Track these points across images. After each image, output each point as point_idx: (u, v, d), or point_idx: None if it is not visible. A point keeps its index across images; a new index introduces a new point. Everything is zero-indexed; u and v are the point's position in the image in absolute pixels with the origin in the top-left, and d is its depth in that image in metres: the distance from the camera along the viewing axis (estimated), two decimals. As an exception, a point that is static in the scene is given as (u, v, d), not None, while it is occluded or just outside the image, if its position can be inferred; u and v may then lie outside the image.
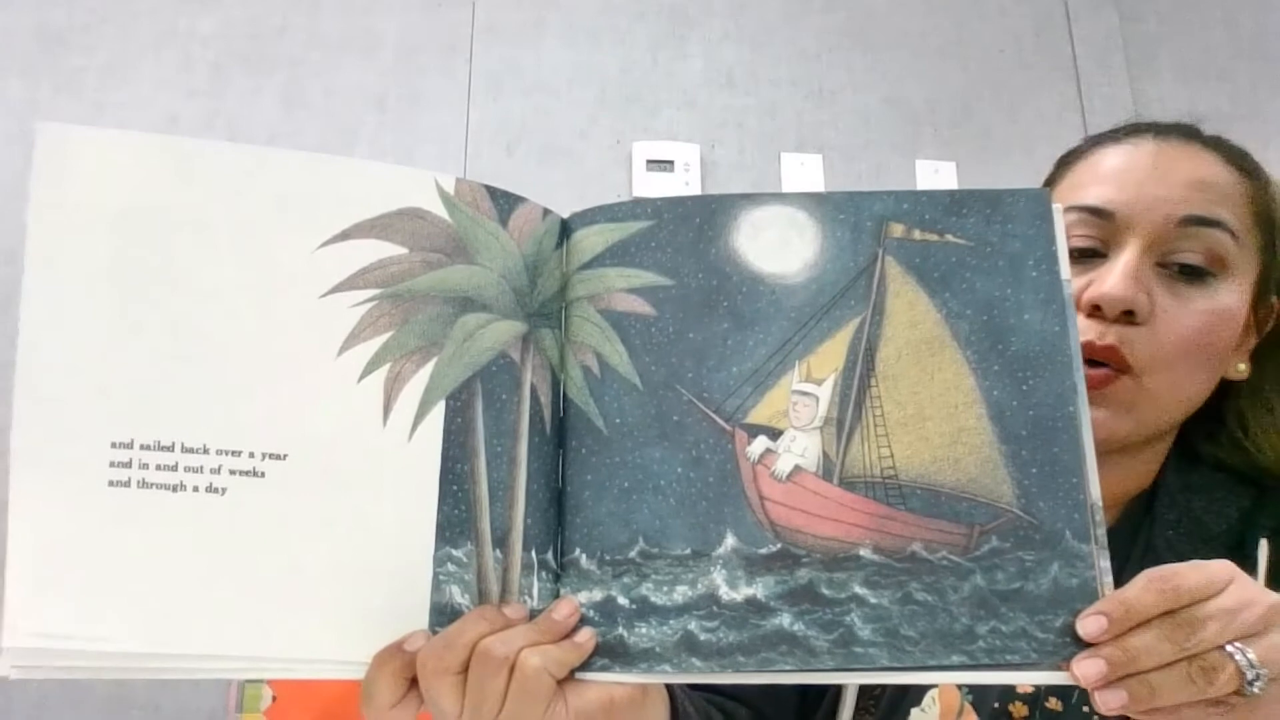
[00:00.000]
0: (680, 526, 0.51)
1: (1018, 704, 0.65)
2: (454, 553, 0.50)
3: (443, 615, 0.49)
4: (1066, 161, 0.75)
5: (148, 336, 0.49)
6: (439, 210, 0.53)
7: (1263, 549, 0.61)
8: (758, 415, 0.52)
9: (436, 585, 0.50)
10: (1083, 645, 0.47)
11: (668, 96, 1.84)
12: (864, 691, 0.70)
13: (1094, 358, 0.63)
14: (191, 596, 0.48)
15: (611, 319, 0.54)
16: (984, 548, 0.50)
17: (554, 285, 0.55)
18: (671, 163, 1.79)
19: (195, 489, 0.48)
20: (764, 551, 0.50)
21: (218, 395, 0.49)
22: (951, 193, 0.54)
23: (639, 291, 0.54)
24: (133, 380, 0.49)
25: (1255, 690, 0.45)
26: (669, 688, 0.60)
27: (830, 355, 0.52)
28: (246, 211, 0.51)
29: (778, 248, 0.54)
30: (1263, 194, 0.69)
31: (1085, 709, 0.63)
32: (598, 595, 0.51)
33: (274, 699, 1.44)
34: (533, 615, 0.50)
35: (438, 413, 0.51)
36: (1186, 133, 0.71)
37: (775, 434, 0.52)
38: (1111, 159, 0.70)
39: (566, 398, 0.55)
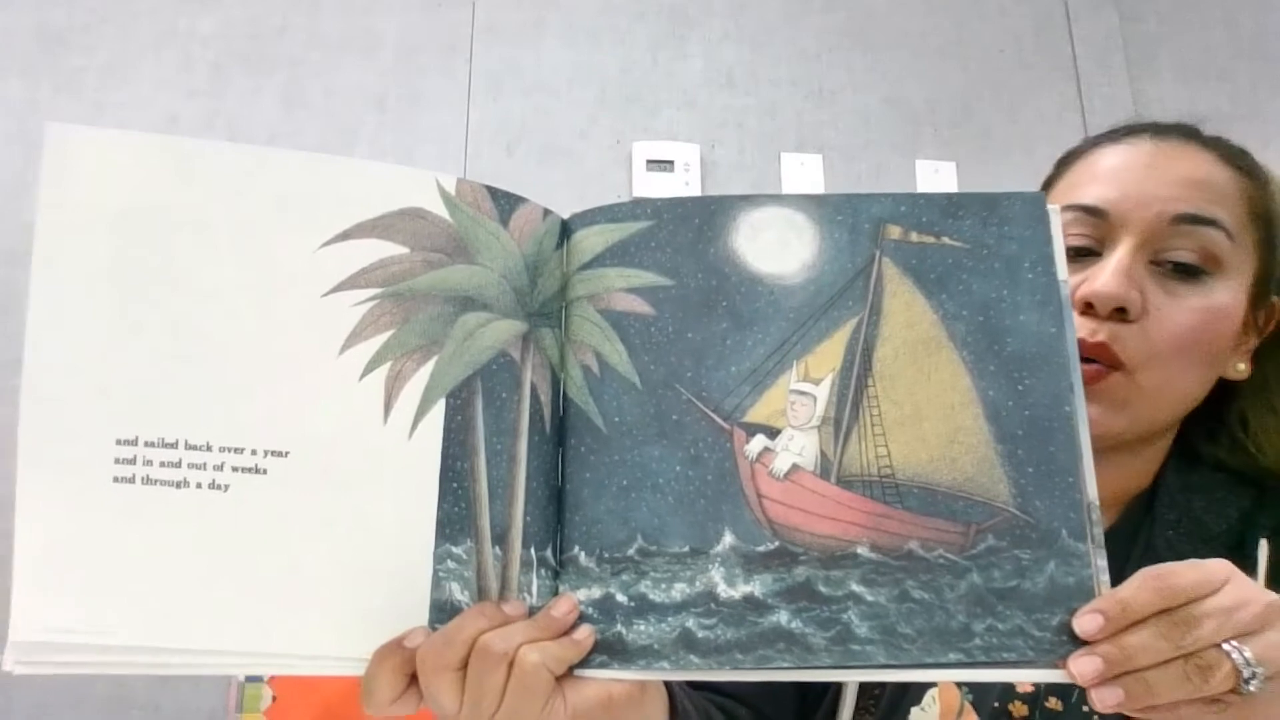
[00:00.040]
0: (679, 524, 0.51)
1: (1017, 703, 0.65)
2: (454, 550, 0.50)
3: (442, 612, 0.50)
4: (1065, 161, 0.75)
5: (148, 336, 0.49)
6: (440, 210, 0.53)
7: (1263, 549, 0.61)
8: (756, 414, 0.52)
9: (436, 582, 0.50)
10: (1079, 643, 0.47)
11: (668, 96, 1.84)
12: (864, 691, 0.70)
13: (1085, 355, 0.63)
14: (194, 592, 0.48)
15: (611, 318, 0.54)
16: (980, 546, 0.50)
17: (554, 285, 0.56)
18: (671, 163, 1.79)
19: (198, 485, 0.49)
20: (762, 549, 0.51)
21: (219, 394, 0.49)
22: (948, 195, 0.55)
23: (638, 291, 0.55)
24: (133, 380, 0.49)
25: (1252, 688, 0.45)
26: (668, 685, 0.60)
27: (828, 355, 0.53)
28: (247, 211, 0.51)
29: (776, 249, 0.54)
30: (1260, 193, 0.69)
31: (1085, 709, 0.63)
32: (596, 593, 0.51)
33: (274, 699, 1.45)
34: (532, 612, 0.51)
35: (438, 411, 0.51)
36: (1184, 133, 0.71)
37: (773, 433, 0.52)
38: (1108, 159, 0.71)
39: (566, 397, 0.55)
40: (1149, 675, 0.45)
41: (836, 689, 0.71)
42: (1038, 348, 0.52)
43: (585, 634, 0.50)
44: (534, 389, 0.54)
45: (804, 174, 1.82)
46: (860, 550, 0.50)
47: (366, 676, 0.49)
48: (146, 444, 0.48)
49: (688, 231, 0.55)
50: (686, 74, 1.86)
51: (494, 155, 1.77)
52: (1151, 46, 1.99)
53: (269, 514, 0.49)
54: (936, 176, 1.85)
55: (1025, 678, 0.55)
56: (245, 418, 0.50)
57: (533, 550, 0.52)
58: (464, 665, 0.48)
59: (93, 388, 0.48)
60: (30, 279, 0.49)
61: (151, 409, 0.49)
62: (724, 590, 0.50)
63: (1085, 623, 0.47)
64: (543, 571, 0.52)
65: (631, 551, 0.51)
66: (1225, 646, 0.45)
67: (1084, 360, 0.63)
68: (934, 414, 0.51)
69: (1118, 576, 0.48)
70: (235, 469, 0.49)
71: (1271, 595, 0.47)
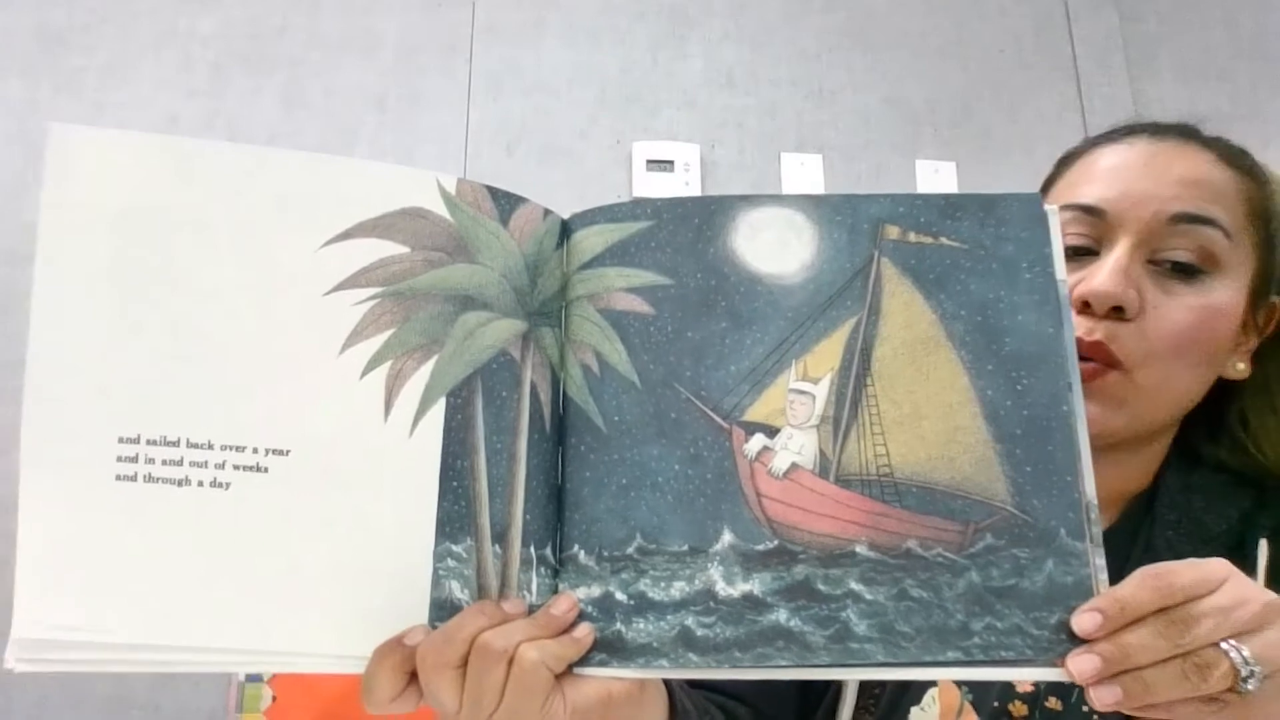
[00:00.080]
0: (678, 523, 0.51)
1: (1017, 703, 0.65)
2: (454, 548, 0.51)
3: (442, 610, 0.50)
4: (1065, 161, 0.75)
5: (148, 336, 0.49)
6: (440, 210, 0.53)
7: (1262, 549, 0.61)
8: (755, 413, 0.52)
9: (436, 580, 0.50)
10: (1078, 642, 0.47)
11: (668, 96, 1.84)
12: (864, 690, 0.70)
13: (1082, 354, 0.63)
14: (195, 589, 0.48)
15: (611, 318, 0.55)
16: (979, 545, 0.50)
17: (554, 285, 0.56)
18: (671, 163, 1.79)
19: (200, 484, 0.49)
20: (761, 548, 0.51)
21: (219, 393, 0.50)
22: (946, 196, 0.55)
23: (638, 291, 0.55)
24: (134, 380, 0.49)
25: (1250, 687, 0.45)
26: (667, 684, 0.60)
27: (827, 354, 0.53)
28: (247, 211, 0.51)
29: (775, 248, 0.54)
30: (1259, 192, 0.69)
31: (1084, 708, 0.63)
32: (596, 591, 0.51)
33: (274, 699, 1.45)
34: (531, 610, 0.51)
35: (438, 409, 0.52)
36: (1183, 132, 0.71)
37: (772, 432, 0.52)
38: (1107, 159, 0.71)
39: (566, 396, 0.55)
40: (1147, 674, 0.45)
41: (837, 688, 0.71)
42: (1036, 347, 0.52)
43: (585, 632, 0.50)
44: (534, 388, 0.54)
45: (804, 174, 1.82)
46: (859, 549, 0.50)
47: (367, 674, 0.49)
48: (149, 442, 0.49)
49: (687, 231, 0.55)
50: (686, 74, 1.86)
51: (494, 155, 1.77)
52: (1151, 46, 1.99)
53: (270, 512, 0.49)
54: (936, 176, 1.85)
55: (1023, 676, 0.55)
56: (246, 417, 0.50)
57: (532, 549, 0.52)
58: (464, 663, 0.48)
59: (94, 387, 0.48)
60: (33, 279, 0.49)
61: (152, 408, 0.49)
62: (723, 589, 0.50)
63: (1083, 621, 0.47)
64: (542, 570, 0.52)
65: (631, 550, 0.51)
66: (1223, 645, 0.45)
67: (1081, 359, 0.63)
68: (932, 413, 0.52)
69: (1117, 576, 0.48)
70: (237, 467, 0.49)
71: (1270, 594, 0.47)
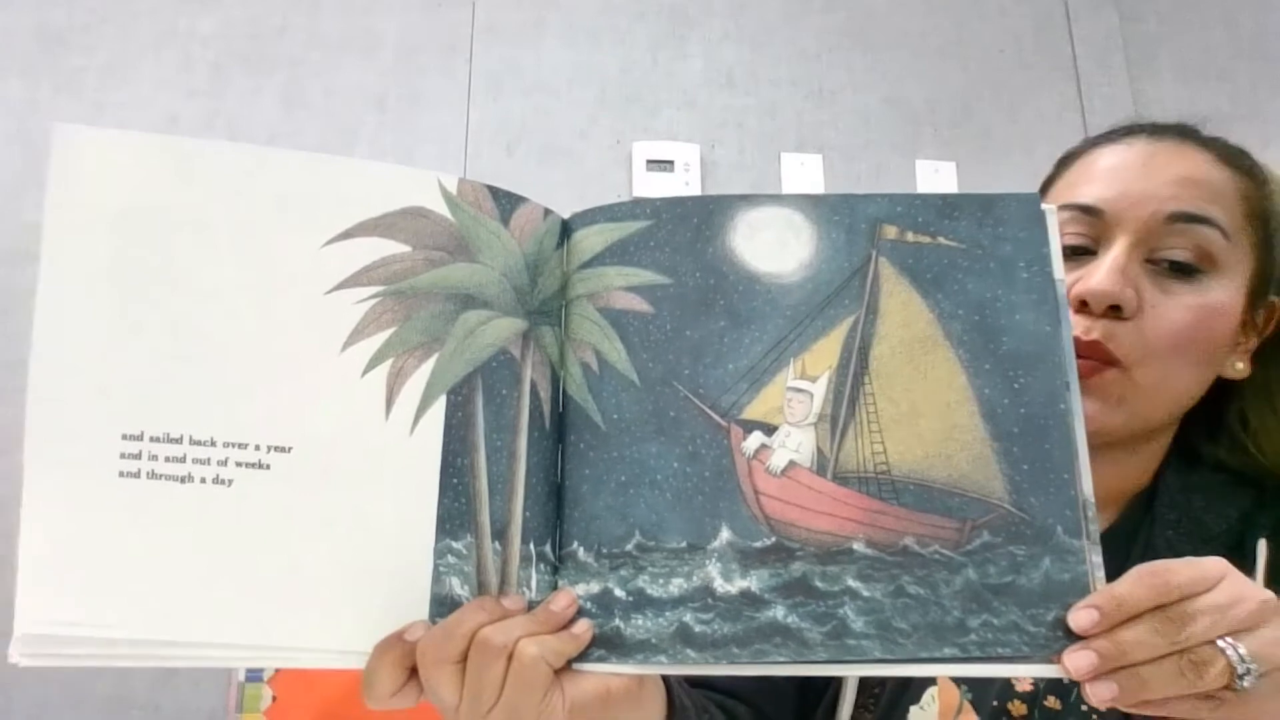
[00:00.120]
0: (676, 520, 0.52)
1: (1017, 702, 0.66)
2: (454, 545, 0.51)
3: (442, 606, 0.50)
4: (1064, 162, 0.76)
5: (149, 336, 0.50)
6: (441, 209, 0.53)
7: (1262, 549, 0.62)
8: (753, 411, 0.53)
9: (436, 577, 0.50)
10: (1074, 638, 0.47)
11: (668, 96, 1.84)
12: (863, 689, 0.70)
13: (1080, 353, 0.64)
14: (197, 585, 0.48)
15: (610, 317, 0.55)
16: (976, 542, 0.50)
17: (554, 284, 0.56)
18: (671, 163, 1.79)
19: (202, 480, 0.49)
20: (758, 545, 0.51)
21: (222, 392, 0.50)
22: (944, 196, 0.55)
23: (637, 290, 0.55)
24: (135, 379, 0.49)
25: (1246, 685, 0.45)
26: (666, 682, 0.60)
27: (824, 353, 0.53)
28: (247, 211, 0.51)
29: (774, 248, 0.55)
30: (1258, 193, 0.69)
31: (1084, 707, 0.63)
32: (595, 587, 0.52)
33: (274, 699, 1.45)
34: (531, 607, 0.51)
35: (439, 407, 0.52)
36: (1181, 132, 0.71)
37: (770, 430, 0.52)
38: (1105, 159, 0.71)
39: (566, 394, 0.55)
40: (1143, 670, 0.46)
41: (836, 688, 0.71)
42: (1033, 346, 0.52)
43: (584, 628, 0.51)
44: (534, 386, 0.54)
45: (804, 174, 1.83)
46: (856, 546, 0.51)
47: (367, 669, 0.49)
48: (152, 439, 0.49)
49: (686, 231, 0.55)
50: (686, 74, 1.86)
51: (494, 155, 1.77)
52: (1151, 46, 1.99)
53: (272, 509, 0.49)
54: (936, 176, 1.85)
55: (1020, 672, 0.55)
56: (248, 415, 0.50)
57: (532, 545, 0.52)
58: (463, 658, 0.48)
59: (97, 385, 0.49)
60: (37, 279, 0.49)
61: (155, 406, 0.49)
62: (721, 585, 0.50)
63: (1080, 617, 0.47)
64: (542, 566, 0.52)
65: (630, 547, 0.52)
66: (1220, 643, 0.45)
67: (1079, 358, 0.63)
68: (930, 411, 0.52)
69: (1116, 575, 0.48)
70: (239, 464, 0.49)
71: (1266, 593, 0.47)
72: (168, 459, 0.49)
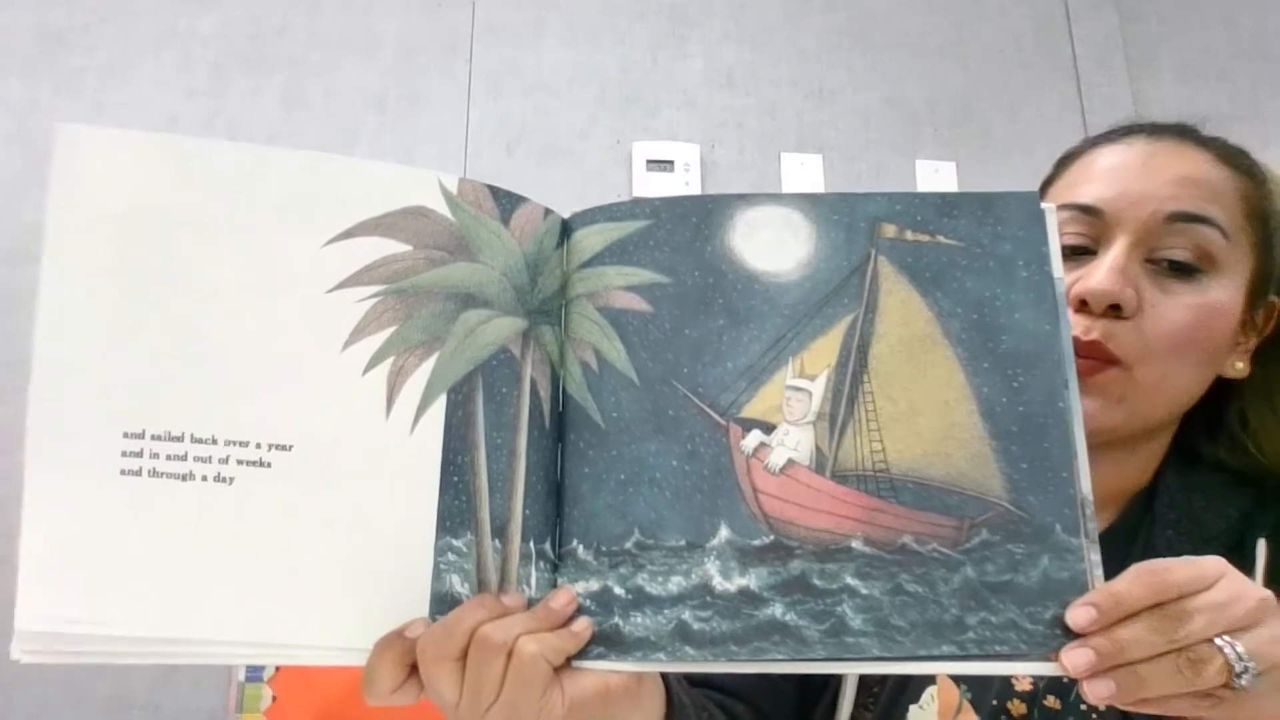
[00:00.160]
0: (675, 518, 0.52)
1: (1016, 701, 0.66)
2: (454, 543, 0.51)
3: (443, 604, 0.50)
4: (1064, 161, 0.76)
5: (149, 335, 0.50)
6: (442, 209, 0.54)
7: (1261, 548, 0.62)
8: (752, 410, 0.53)
9: (437, 574, 0.51)
10: (1072, 636, 0.48)
11: (668, 96, 1.84)
12: (862, 688, 0.70)
13: (1079, 352, 0.64)
14: (198, 583, 0.49)
15: (610, 316, 0.55)
16: (974, 540, 0.50)
17: (554, 283, 0.56)
18: (671, 163, 1.79)
19: (204, 478, 0.49)
20: (757, 543, 0.51)
21: (223, 390, 0.50)
22: (943, 195, 0.55)
23: (637, 289, 0.55)
24: (136, 379, 0.49)
25: (1244, 683, 0.45)
26: (665, 681, 0.60)
27: (823, 351, 0.53)
28: (248, 211, 0.52)
29: (772, 247, 0.55)
30: (1257, 192, 0.70)
31: (1083, 707, 0.63)
32: (594, 585, 0.52)
33: (274, 699, 1.45)
34: (530, 604, 0.51)
35: (439, 406, 0.52)
36: (1180, 132, 0.71)
37: (769, 428, 0.53)
38: (1105, 158, 0.71)
39: (565, 393, 0.55)
40: (1141, 668, 0.46)
41: (835, 687, 0.71)
42: (1032, 345, 0.52)
43: (583, 626, 0.51)
44: (534, 385, 0.54)
45: (804, 174, 1.83)
46: (854, 544, 0.51)
47: (368, 666, 0.50)
48: (153, 437, 0.49)
49: (685, 230, 0.55)
50: (686, 74, 1.86)
51: (494, 155, 1.77)
52: (1151, 46, 1.99)
53: (272, 506, 0.50)
54: (936, 176, 1.85)
55: (1018, 670, 0.56)
56: (249, 413, 0.50)
57: (532, 543, 0.52)
58: (463, 656, 0.49)
59: (98, 384, 0.49)
60: (40, 278, 0.49)
61: (156, 405, 0.49)
62: (719, 583, 0.51)
63: (1078, 615, 0.47)
64: (541, 564, 0.53)
65: (629, 545, 0.52)
66: (1217, 641, 0.45)
67: (1078, 357, 0.63)
68: (929, 410, 0.52)
69: (1116, 575, 0.48)
70: (240, 462, 0.49)
71: (1264, 591, 0.48)
72: (169, 457, 0.49)
